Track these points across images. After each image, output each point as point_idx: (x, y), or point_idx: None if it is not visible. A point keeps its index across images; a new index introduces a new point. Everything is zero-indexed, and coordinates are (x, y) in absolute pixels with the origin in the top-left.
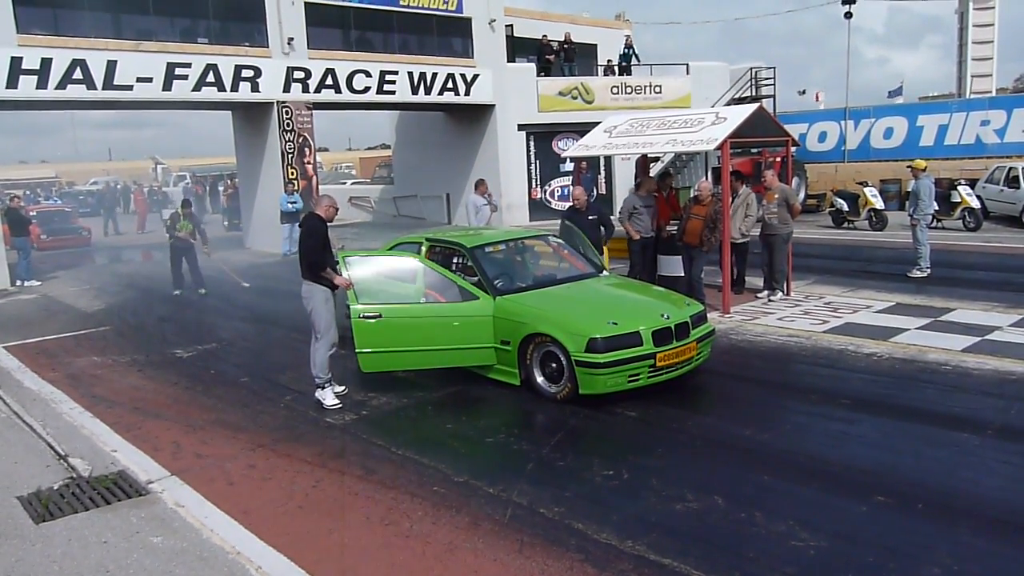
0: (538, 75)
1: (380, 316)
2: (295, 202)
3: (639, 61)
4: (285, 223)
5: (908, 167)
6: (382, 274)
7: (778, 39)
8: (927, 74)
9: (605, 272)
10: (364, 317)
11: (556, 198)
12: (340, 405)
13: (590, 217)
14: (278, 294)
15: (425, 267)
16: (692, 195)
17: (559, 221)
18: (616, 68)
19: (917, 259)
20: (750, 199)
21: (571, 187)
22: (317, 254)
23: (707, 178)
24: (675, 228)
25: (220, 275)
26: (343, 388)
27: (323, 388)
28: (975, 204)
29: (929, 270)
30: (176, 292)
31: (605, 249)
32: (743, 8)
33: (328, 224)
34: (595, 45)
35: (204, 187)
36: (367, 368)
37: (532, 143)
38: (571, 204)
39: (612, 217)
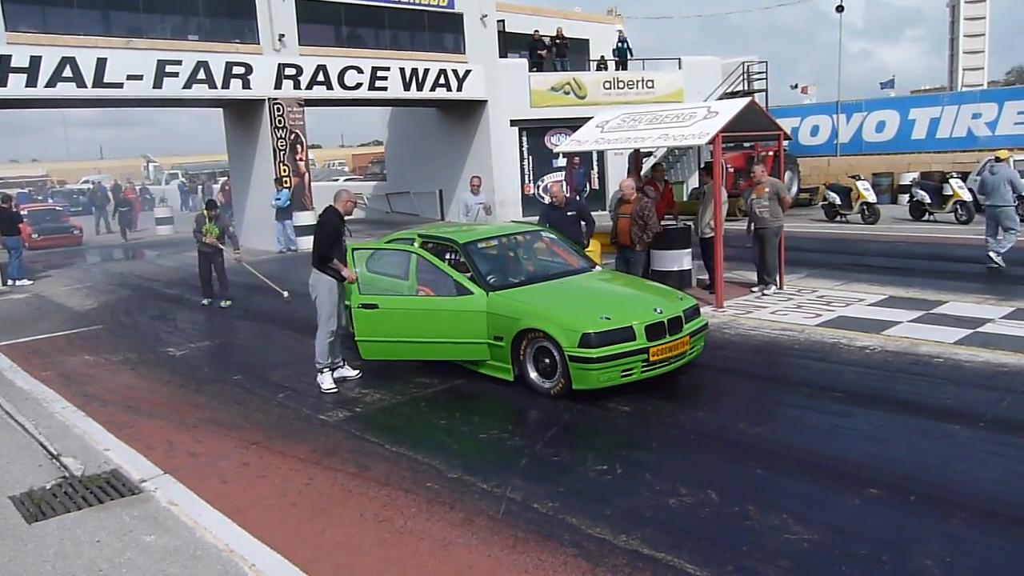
0: (530, 70)
1: (376, 307)
2: (279, 199)
3: (632, 55)
4: (278, 220)
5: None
6: (382, 266)
7: (765, 34)
8: (912, 67)
9: (598, 267)
10: (363, 307)
11: (549, 194)
12: (336, 390)
13: (568, 213)
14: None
15: (422, 260)
16: (617, 195)
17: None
18: (611, 63)
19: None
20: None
21: (555, 183)
22: (326, 247)
23: (699, 171)
24: (669, 223)
25: (251, 281)
26: (357, 372)
27: (322, 373)
28: (967, 197)
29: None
30: (204, 302)
31: (595, 243)
32: (730, 3)
33: (346, 218)
34: (587, 40)
35: (198, 185)
36: (366, 355)
37: (524, 139)
38: (549, 201)
39: (601, 212)
